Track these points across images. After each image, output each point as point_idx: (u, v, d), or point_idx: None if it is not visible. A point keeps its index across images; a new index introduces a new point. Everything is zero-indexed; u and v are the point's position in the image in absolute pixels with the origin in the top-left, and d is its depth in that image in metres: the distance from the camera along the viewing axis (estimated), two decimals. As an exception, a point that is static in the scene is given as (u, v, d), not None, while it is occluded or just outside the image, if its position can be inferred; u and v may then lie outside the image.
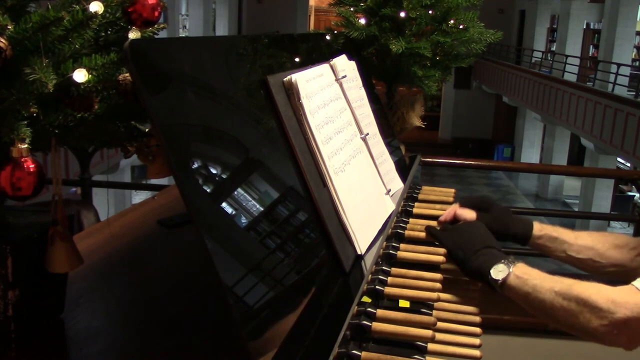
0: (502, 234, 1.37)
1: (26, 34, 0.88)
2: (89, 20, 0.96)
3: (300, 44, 1.45)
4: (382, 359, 0.97)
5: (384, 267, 1.22)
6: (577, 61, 17.13)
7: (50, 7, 0.92)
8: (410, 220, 1.52)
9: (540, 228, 1.39)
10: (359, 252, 1.17)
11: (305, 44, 1.48)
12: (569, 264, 1.40)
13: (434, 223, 1.50)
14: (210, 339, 1.08)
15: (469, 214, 1.40)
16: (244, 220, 0.94)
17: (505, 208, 1.42)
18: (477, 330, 1.13)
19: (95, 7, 0.96)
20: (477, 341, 1.09)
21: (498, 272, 1.14)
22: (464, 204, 1.45)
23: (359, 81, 1.55)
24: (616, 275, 1.36)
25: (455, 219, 1.41)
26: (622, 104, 13.00)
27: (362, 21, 2.51)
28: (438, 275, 1.21)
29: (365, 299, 1.11)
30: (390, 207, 1.43)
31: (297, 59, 1.35)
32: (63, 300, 1.13)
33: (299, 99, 1.14)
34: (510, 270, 1.13)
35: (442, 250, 1.34)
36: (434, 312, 1.15)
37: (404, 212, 1.57)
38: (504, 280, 1.12)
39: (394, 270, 1.22)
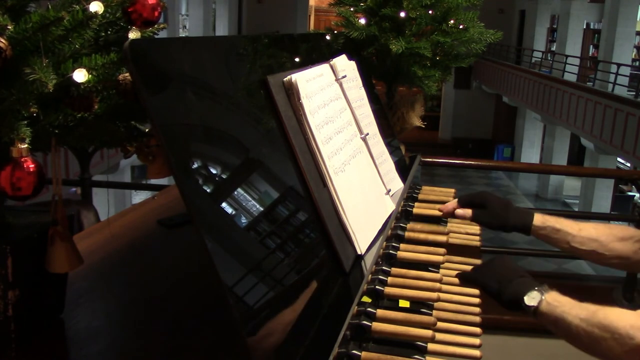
0: (502, 228, 1.40)
1: (26, 34, 0.88)
2: (89, 20, 0.96)
3: (300, 44, 1.45)
4: (382, 359, 0.97)
5: (384, 267, 1.22)
6: (577, 61, 17.11)
7: (50, 7, 0.92)
8: (410, 220, 1.52)
9: (542, 220, 1.40)
10: (359, 252, 1.17)
11: (305, 44, 1.48)
12: (572, 254, 1.41)
13: (434, 223, 1.50)
14: (211, 339, 1.08)
15: (466, 212, 1.44)
16: (244, 220, 0.94)
17: (502, 202, 1.44)
18: (477, 330, 1.13)
19: (95, 7, 0.96)
20: (477, 341, 1.09)
21: (531, 299, 1.15)
22: (462, 202, 1.47)
23: (359, 81, 1.55)
24: (620, 266, 1.38)
25: (454, 216, 1.45)
26: (622, 104, 12.99)
27: (362, 21, 2.51)
28: (438, 275, 1.21)
29: (365, 299, 1.11)
30: (390, 207, 1.43)
31: (297, 59, 1.35)
32: (63, 300, 1.13)
33: (299, 99, 1.14)
34: (543, 297, 1.14)
35: (442, 250, 1.35)
36: (434, 312, 1.15)
37: (404, 212, 1.57)
38: (537, 307, 1.13)
39: (394, 270, 1.22)
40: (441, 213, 1.50)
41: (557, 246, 1.41)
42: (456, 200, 1.49)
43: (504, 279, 1.21)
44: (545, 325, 1.15)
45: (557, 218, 1.41)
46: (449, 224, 1.57)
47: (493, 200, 1.43)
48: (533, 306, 1.14)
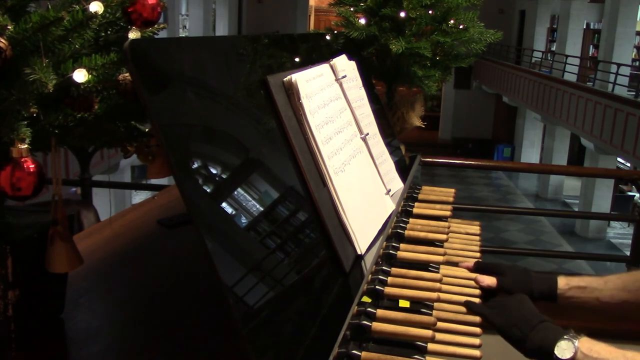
0: (527, 295, 1.29)
1: (26, 34, 0.88)
2: (89, 20, 0.96)
3: (300, 44, 1.45)
4: (382, 359, 0.97)
5: (384, 267, 1.22)
6: (577, 61, 17.12)
7: (50, 7, 0.92)
8: (410, 220, 1.52)
9: (566, 281, 1.32)
10: (359, 252, 1.17)
11: (305, 44, 1.48)
12: (602, 311, 1.32)
13: (434, 223, 1.50)
14: (210, 339, 1.08)
15: (490, 280, 1.33)
16: (244, 220, 0.94)
17: (523, 269, 1.35)
18: (477, 330, 1.13)
19: (95, 7, 0.96)
20: (477, 341, 1.09)
21: (563, 350, 1.08)
22: (478, 270, 1.37)
23: (359, 81, 1.55)
24: None
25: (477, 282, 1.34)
26: (622, 104, 12.99)
27: (362, 21, 2.51)
28: (438, 275, 1.21)
29: (365, 299, 1.11)
30: (390, 207, 1.43)
31: (297, 59, 1.35)
32: (63, 300, 1.13)
33: (299, 99, 1.14)
34: (576, 346, 1.07)
35: (442, 250, 1.34)
36: (434, 312, 1.15)
37: (404, 212, 1.57)
38: (572, 359, 1.07)
39: (394, 270, 1.22)
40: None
41: (587, 306, 1.32)
42: (471, 264, 1.39)
43: (525, 324, 1.14)
44: None
45: (579, 277, 1.34)
46: (449, 224, 1.57)
47: (512, 269, 1.35)
48: (567, 359, 1.07)
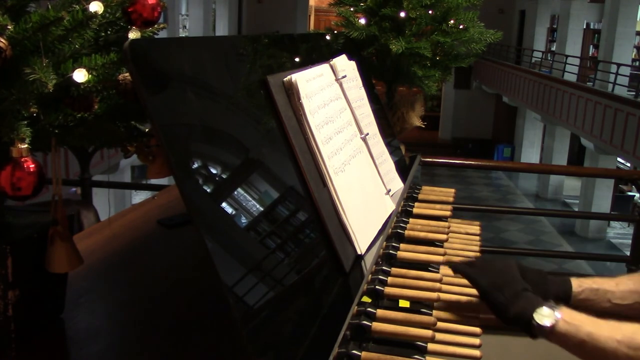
0: (542, 297, 1.26)
1: (26, 34, 0.88)
2: (89, 20, 0.96)
3: (300, 44, 1.45)
4: (382, 359, 0.97)
5: (384, 267, 1.22)
6: (577, 61, 17.11)
7: (50, 7, 0.92)
8: (410, 220, 1.52)
9: (579, 283, 1.30)
10: (359, 252, 1.17)
11: (305, 44, 1.48)
12: (614, 313, 1.28)
13: (434, 223, 1.50)
14: (210, 339, 1.08)
15: None
16: (244, 220, 0.94)
17: (539, 271, 1.33)
18: (477, 330, 1.13)
19: (95, 7, 0.96)
20: (477, 341, 1.09)
21: (543, 317, 1.05)
22: None
23: (359, 81, 1.55)
24: None
25: None
26: (622, 104, 12.99)
27: (362, 21, 2.51)
28: (438, 275, 1.21)
29: (365, 299, 1.11)
30: (390, 207, 1.43)
31: (297, 59, 1.35)
32: (63, 300, 1.13)
33: (299, 99, 1.14)
34: (558, 315, 1.05)
35: (442, 250, 1.34)
36: (434, 312, 1.15)
37: (404, 212, 1.57)
38: (552, 327, 1.04)
39: (394, 270, 1.22)
40: None
41: (598, 308, 1.29)
42: None
43: (508, 289, 1.12)
44: (559, 345, 1.06)
45: (591, 278, 1.32)
46: (449, 224, 1.57)
47: (531, 271, 1.32)
48: (548, 327, 1.05)
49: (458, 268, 1.22)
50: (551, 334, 1.05)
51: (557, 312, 1.06)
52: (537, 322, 1.06)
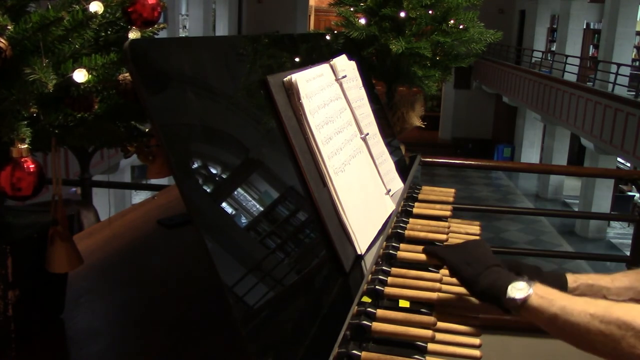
0: None
1: (26, 34, 0.88)
2: (89, 20, 0.96)
3: (300, 44, 1.45)
4: (382, 359, 0.97)
5: (384, 267, 1.22)
6: (577, 61, 17.11)
7: (50, 7, 0.92)
8: (410, 220, 1.52)
9: (574, 279, 1.30)
10: (359, 252, 1.17)
11: (305, 44, 1.48)
12: None
13: (434, 223, 1.50)
14: (210, 338, 1.08)
15: None
16: (244, 220, 0.94)
17: (535, 267, 1.33)
18: (477, 330, 1.13)
19: (95, 7, 0.96)
20: (477, 341, 1.09)
21: (517, 290, 1.04)
22: None
23: (359, 81, 1.55)
24: None
25: None
26: (622, 104, 12.99)
27: (362, 21, 2.51)
28: (438, 275, 1.21)
29: (365, 299, 1.11)
30: (390, 207, 1.43)
31: (297, 59, 1.35)
32: (63, 300, 1.13)
33: (299, 99, 1.14)
34: (531, 289, 1.04)
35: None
36: (434, 312, 1.15)
37: (404, 212, 1.57)
38: (524, 300, 1.03)
39: (394, 270, 1.22)
40: None
41: None
42: None
43: (479, 263, 1.12)
44: (531, 320, 1.04)
45: (586, 274, 1.33)
46: (449, 224, 1.57)
47: (527, 267, 1.33)
48: (519, 299, 1.03)
49: (428, 250, 1.23)
50: (522, 307, 1.04)
51: (531, 287, 1.05)
52: (509, 295, 1.05)
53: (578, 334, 0.98)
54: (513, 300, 1.05)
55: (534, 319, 1.04)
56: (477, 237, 1.23)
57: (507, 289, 1.06)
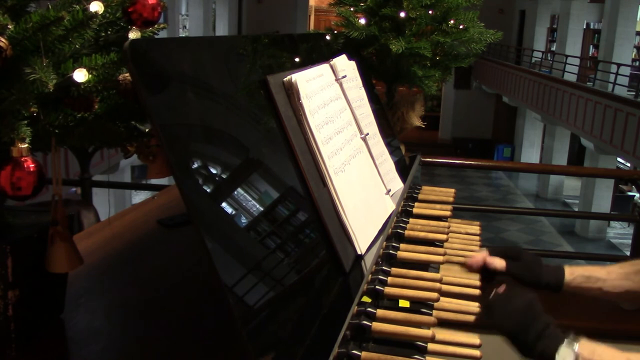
0: (535, 283, 1.32)
1: (26, 34, 0.88)
2: (89, 20, 0.96)
3: (300, 44, 1.45)
4: (382, 359, 0.96)
5: (384, 267, 1.22)
6: (577, 61, 17.11)
7: (50, 7, 0.92)
8: (410, 220, 1.52)
9: (571, 271, 1.34)
10: (359, 252, 1.17)
11: (305, 44, 1.48)
12: (605, 299, 1.34)
13: (434, 223, 1.50)
14: (210, 338, 1.08)
15: (499, 263, 1.36)
16: (244, 220, 0.94)
17: (535, 256, 1.37)
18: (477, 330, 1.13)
19: (95, 7, 0.96)
20: (477, 341, 1.09)
21: (564, 357, 1.07)
22: (493, 253, 1.38)
23: (359, 81, 1.55)
24: None
25: (485, 267, 1.36)
26: (622, 104, 12.98)
27: (362, 21, 2.51)
28: (438, 275, 1.21)
29: (365, 299, 1.11)
30: (390, 207, 1.43)
31: (297, 59, 1.35)
32: (63, 300, 1.13)
33: (299, 99, 1.14)
34: (576, 351, 1.06)
35: (442, 250, 1.34)
36: (434, 312, 1.15)
37: (404, 212, 1.57)
38: None
39: (394, 270, 1.22)
40: (466, 264, 1.39)
41: (589, 295, 1.34)
42: (484, 250, 1.40)
43: (532, 329, 1.13)
44: None
45: (583, 267, 1.36)
46: (449, 224, 1.57)
47: (527, 255, 1.37)
48: None
49: (488, 314, 1.21)
50: None
51: (576, 346, 1.07)
52: None
53: None
54: None
55: None
56: (524, 292, 1.23)
57: (556, 357, 1.08)
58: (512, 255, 1.37)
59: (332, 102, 1.29)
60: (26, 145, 0.90)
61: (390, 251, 1.30)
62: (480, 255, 1.38)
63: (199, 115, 0.92)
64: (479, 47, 2.66)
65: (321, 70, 1.30)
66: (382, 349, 1.01)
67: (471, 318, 1.17)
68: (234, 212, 0.92)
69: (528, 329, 1.13)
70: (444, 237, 1.43)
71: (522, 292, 1.22)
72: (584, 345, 1.07)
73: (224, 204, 0.91)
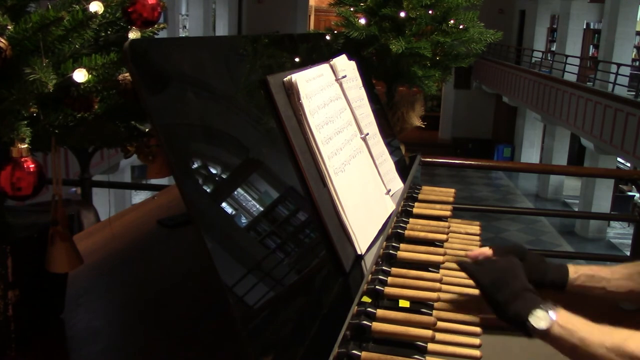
0: (539, 282, 1.31)
1: (26, 34, 0.88)
2: (89, 20, 0.96)
3: (300, 44, 1.45)
4: (382, 359, 0.97)
5: (384, 267, 1.22)
6: (577, 61, 17.10)
7: (50, 7, 0.92)
8: (410, 220, 1.52)
9: (575, 269, 1.33)
10: (359, 252, 1.17)
11: (305, 44, 1.48)
12: (608, 299, 1.34)
13: (434, 223, 1.50)
14: (210, 338, 1.08)
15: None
16: (244, 220, 0.94)
17: (539, 255, 1.36)
18: (477, 330, 1.13)
19: (95, 7, 0.96)
20: (477, 341, 1.09)
21: (539, 319, 1.07)
22: (497, 252, 1.36)
23: (359, 81, 1.55)
24: None
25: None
26: (622, 104, 12.98)
27: (362, 21, 2.51)
28: (438, 275, 1.21)
29: (365, 299, 1.11)
30: (390, 207, 1.43)
31: (297, 59, 1.35)
32: (63, 300, 1.13)
33: (299, 99, 1.14)
34: (553, 318, 1.06)
35: (442, 250, 1.34)
36: (434, 312, 1.15)
37: (404, 212, 1.57)
38: (547, 330, 1.06)
39: (394, 270, 1.22)
40: (469, 256, 1.37)
41: (592, 294, 1.33)
42: (487, 248, 1.38)
43: (508, 290, 1.13)
44: (553, 347, 1.07)
45: (588, 266, 1.35)
46: (449, 224, 1.57)
47: (531, 254, 1.36)
48: (542, 329, 1.06)
49: (463, 265, 1.24)
50: (546, 336, 1.07)
51: (553, 313, 1.07)
52: (532, 324, 1.07)
53: None
54: (536, 330, 1.07)
55: (556, 346, 1.07)
56: (510, 257, 1.23)
57: (529, 318, 1.08)
58: (517, 254, 1.36)
59: (332, 102, 1.29)
60: (26, 145, 0.90)
61: (390, 251, 1.30)
62: (484, 249, 1.37)
63: (199, 115, 0.92)
64: (479, 47, 2.66)
65: (321, 70, 1.30)
66: (382, 349, 1.01)
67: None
68: (234, 212, 0.92)
69: (504, 287, 1.14)
70: (444, 237, 1.43)
71: (508, 257, 1.24)
72: (560, 313, 1.07)
73: (224, 204, 0.91)
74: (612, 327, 1.05)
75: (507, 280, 1.15)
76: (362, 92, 1.55)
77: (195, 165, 0.87)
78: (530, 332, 1.08)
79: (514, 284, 1.14)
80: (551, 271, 1.34)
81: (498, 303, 1.14)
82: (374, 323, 1.02)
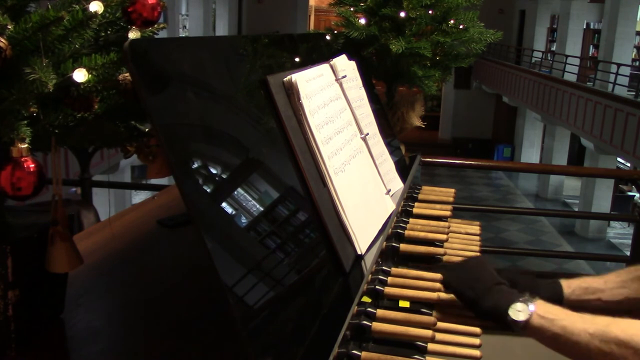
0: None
1: (26, 34, 0.88)
2: (89, 20, 0.96)
3: (300, 44, 1.45)
4: (382, 359, 0.97)
5: (384, 267, 1.22)
6: (577, 61, 17.10)
7: (50, 7, 0.92)
8: (410, 220, 1.52)
9: (567, 284, 1.31)
10: (359, 252, 1.17)
11: (305, 44, 1.48)
12: (606, 310, 1.28)
13: (434, 223, 1.50)
14: (211, 339, 1.08)
15: None
16: (244, 220, 0.94)
17: (530, 277, 1.33)
18: (477, 330, 1.13)
19: (95, 7, 0.96)
20: (477, 341, 1.09)
21: (517, 312, 1.06)
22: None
23: (359, 81, 1.55)
24: None
25: None
26: (622, 104, 12.98)
27: (362, 21, 2.51)
28: (438, 275, 1.21)
29: (365, 299, 1.11)
30: (390, 207, 1.43)
31: (297, 59, 1.35)
32: (63, 300, 1.13)
33: (299, 99, 1.14)
34: (532, 309, 1.06)
35: (442, 250, 1.34)
36: (434, 312, 1.15)
37: (404, 212, 1.57)
38: (526, 321, 1.05)
39: (394, 270, 1.22)
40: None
41: (590, 307, 1.29)
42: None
43: (479, 285, 1.13)
44: (535, 338, 1.07)
45: (580, 278, 1.33)
46: (449, 224, 1.57)
47: (520, 277, 1.32)
48: (521, 321, 1.06)
49: (435, 269, 1.23)
50: (526, 328, 1.06)
51: (532, 305, 1.06)
52: (511, 317, 1.07)
53: (579, 353, 1.01)
54: (515, 322, 1.06)
55: (537, 338, 1.06)
56: (477, 254, 1.23)
57: (508, 310, 1.07)
58: (509, 279, 1.29)
59: (332, 102, 1.29)
60: (26, 145, 0.90)
61: (390, 251, 1.30)
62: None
63: (199, 115, 0.92)
64: (479, 47, 2.66)
65: (321, 70, 1.30)
66: (382, 349, 1.01)
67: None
68: (234, 212, 0.92)
69: (474, 283, 1.14)
70: (444, 237, 1.43)
71: (476, 256, 1.23)
72: (539, 304, 1.07)
73: (224, 204, 0.91)
74: (592, 315, 1.04)
75: (477, 276, 1.16)
76: (362, 92, 1.55)
77: (195, 165, 0.87)
78: (510, 325, 1.08)
79: (483, 278, 1.14)
80: (545, 289, 1.30)
81: (472, 300, 1.14)
82: (374, 323, 1.02)
